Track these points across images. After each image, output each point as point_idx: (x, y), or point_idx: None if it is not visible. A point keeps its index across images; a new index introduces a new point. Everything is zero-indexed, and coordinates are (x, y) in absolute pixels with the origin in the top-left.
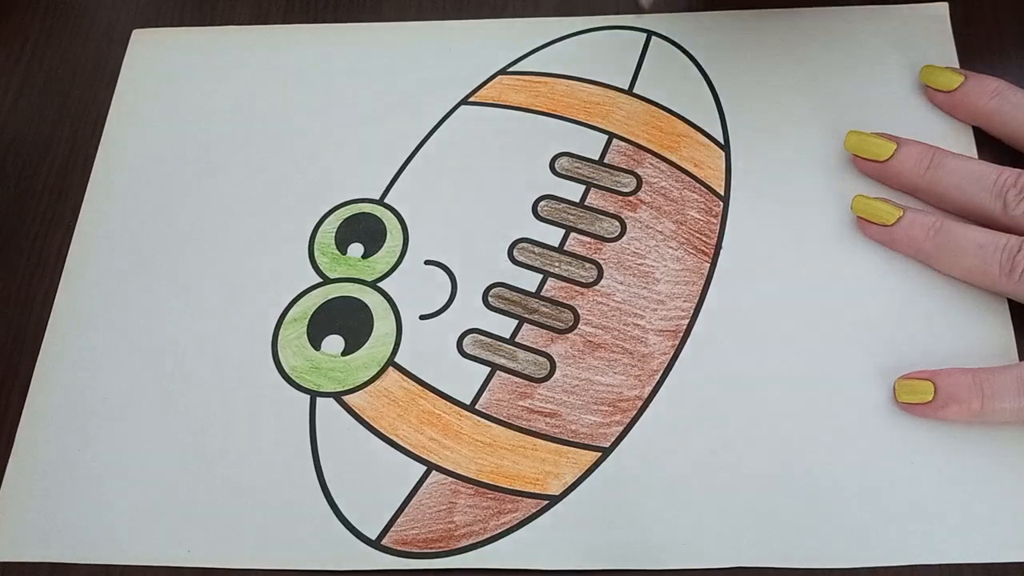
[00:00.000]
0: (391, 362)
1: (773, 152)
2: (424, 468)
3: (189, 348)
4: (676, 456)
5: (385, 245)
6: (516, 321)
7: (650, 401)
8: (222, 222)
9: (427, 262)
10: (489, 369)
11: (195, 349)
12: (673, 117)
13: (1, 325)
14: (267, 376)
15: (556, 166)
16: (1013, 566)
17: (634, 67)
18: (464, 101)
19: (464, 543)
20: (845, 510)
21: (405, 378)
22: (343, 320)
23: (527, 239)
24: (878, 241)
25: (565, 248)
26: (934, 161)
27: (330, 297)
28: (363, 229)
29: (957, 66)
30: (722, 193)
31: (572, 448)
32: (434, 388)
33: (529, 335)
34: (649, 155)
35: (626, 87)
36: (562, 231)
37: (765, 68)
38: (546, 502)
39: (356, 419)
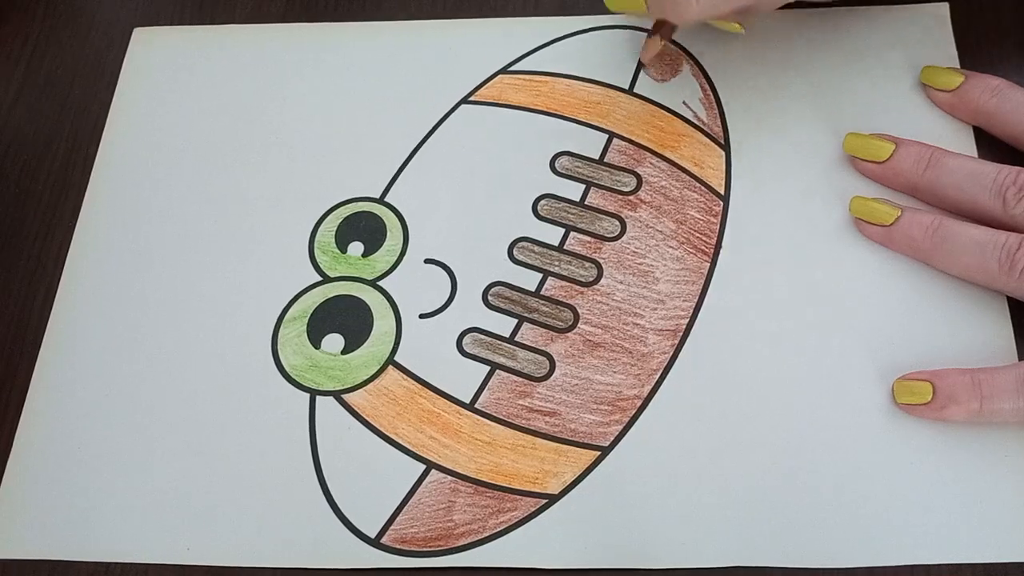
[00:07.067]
0: (391, 361)
1: (773, 152)
2: (423, 467)
3: (189, 347)
4: (675, 455)
5: (385, 244)
6: (516, 320)
7: (649, 400)
8: (222, 221)
9: (427, 261)
10: (489, 368)
11: (195, 348)
12: (673, 116)
13: (1, 325)
14: (267, 374)
15: (556, 165)
16: (1013, 566)
17: (634, 67)
18: (464, 100)
19: (463, 542)
20: (845, 510)
21: (405, 377)
22: (343, 319)
23: (527, 238)
24: (877, 241)
25: (565, 247)
26: (932, 160)
27: (330, 296)
28: (363, 228)
29: (957, 66)
30: (722, 192)
31: (571, 447)
32: (434, 387)
33: (529, 334)
34: (649, 154)
35: (626, 87)
36: (562, 230)
37: (765, 68)
38: (545, 501)
39: (356, 418)
